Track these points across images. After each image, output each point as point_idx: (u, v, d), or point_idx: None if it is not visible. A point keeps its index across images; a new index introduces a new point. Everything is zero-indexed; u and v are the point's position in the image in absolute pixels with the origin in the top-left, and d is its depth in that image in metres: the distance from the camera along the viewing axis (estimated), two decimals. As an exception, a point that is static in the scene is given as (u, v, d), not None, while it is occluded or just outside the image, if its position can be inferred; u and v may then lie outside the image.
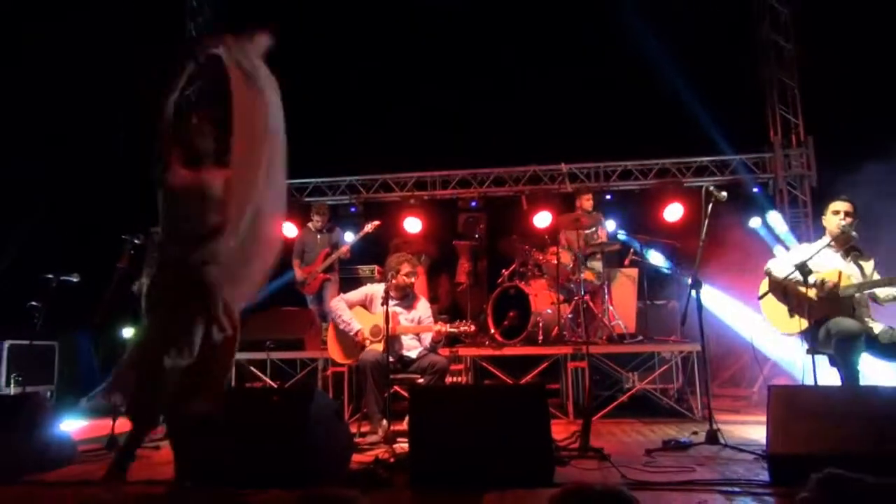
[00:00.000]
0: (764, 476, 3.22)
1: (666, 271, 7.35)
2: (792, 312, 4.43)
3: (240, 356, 6.48)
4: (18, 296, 7.20)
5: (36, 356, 7.31)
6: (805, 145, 8.61)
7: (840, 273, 4.27)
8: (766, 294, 4.60)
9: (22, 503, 3.27)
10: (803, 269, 4.17)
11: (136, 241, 4.85)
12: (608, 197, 8.93)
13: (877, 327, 4.22)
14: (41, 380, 7.29)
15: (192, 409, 2.89)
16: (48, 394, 7.22)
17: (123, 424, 4.77)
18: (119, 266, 4.73)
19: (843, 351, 4.06)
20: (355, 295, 5.39)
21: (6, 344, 6.93)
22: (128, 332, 5.26)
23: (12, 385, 6.85)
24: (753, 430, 4.79)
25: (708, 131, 8.43)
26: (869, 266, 4.42)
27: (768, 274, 4.56)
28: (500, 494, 3.09)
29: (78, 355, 8.05)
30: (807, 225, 8.24)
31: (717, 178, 8.68)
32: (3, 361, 6.93)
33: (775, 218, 8.03)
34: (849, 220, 4.39)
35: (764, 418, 3.29)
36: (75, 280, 5.44)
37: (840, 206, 4.44)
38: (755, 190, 8.78)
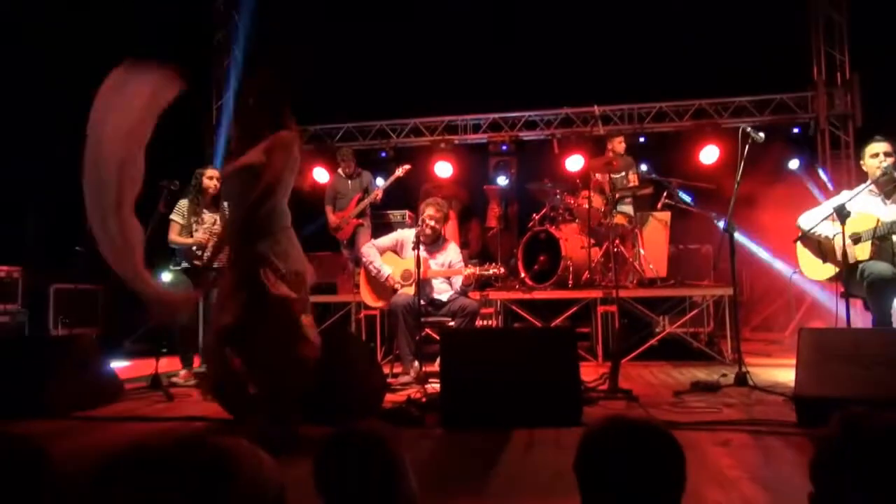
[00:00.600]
0: (791, 417, 3.24)
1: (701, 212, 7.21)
2: (825, 260, 4.36)
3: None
4: (63, 241, 7.47)
5: (81, 299, 7.60)
6: (850, 83, 8.26)
7: (878, 220, 4.15)
8: (800, 238, 4.52)
9: (73, 436, 3.47)
10: (841, 212, 4.08)
11: (171, 188, 4.94)
12: (642, 139, 8.73)
13: (911, 271, 4.12)
14: (87, 322, 7.59)
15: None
16: (93, 335, 7.52)
17: (167, 365, 5.02)
18: (159, 210, 4.84)
19: (874, 294, 4.01)
20: (386, 240, 5.45)
21: (52, 288, 7.19)
22: (166, 277, 5.40)
23: (60, 327, 7.14)
24: (783, 374, 4.79)
25: (748, 69, 8.15)
26: None
27: (799, 227, 4.48)
28: (528, 433, 3.18)
29: (121, 299, 8.33)
30: (849, 167, 7.98)
31: (755, 119, 8.41)
32: (50, 304, 7.20)
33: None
34: (890, 159, 4.25)
35: (794, 362, 3.30)
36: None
37: (878, 147, 4.28)
38: (794, 130, 8.51)
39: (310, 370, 3.07)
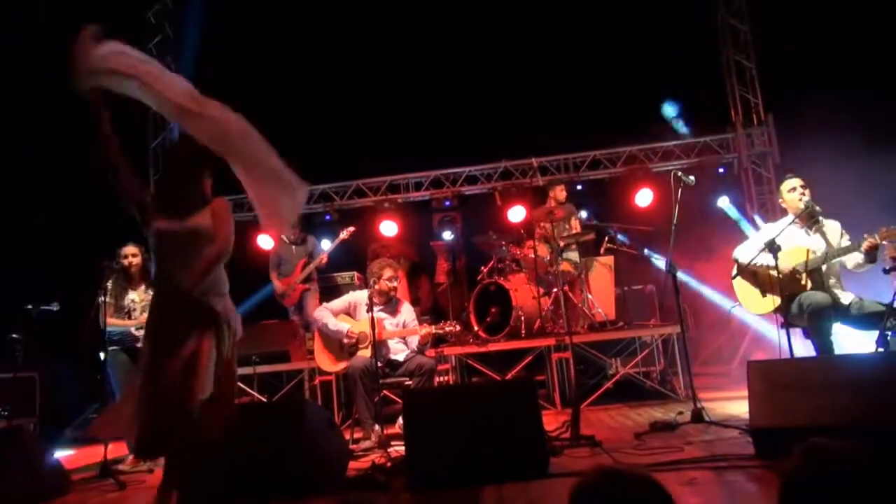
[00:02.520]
0: (749, 450, 3.33)
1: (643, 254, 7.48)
2: (764, 293, 4.58)
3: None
4: (-6, 329, 7.11)
5: (17, 388, 7.20)
6: (766, 123, 8.81)
7: (808, 251, 4.41)
8: (737, 276, 4.74)
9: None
10: (772, 246, 4.30)
11: (114, 266, 4.83)
12: (579, 187, 9.05)
13: (846, 298, 4.37)
14: (23, 412, 7.18)
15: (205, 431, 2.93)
16: (31, 426, 7.11)
17: (114, 451, 4.79)
18: (100, 291, 4.71)
19: (815, 323, 4.21)
20: (339, 303, 5.42)
21: (-15, 379, 6.81)
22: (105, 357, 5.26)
23: (-5, 420, 6.73)
24: (736, 406, 4.93)
25: (671, 116, 8.63)
26: (836, 231, 4.52)
27: (736, 261, 4.71)
28: (497, 489, 3.17)
29: (59, 384, 7.94)
30: (772, 202, 8.43)
31: (683, 162, 8.85)
32: (-18, 396, 6.80)
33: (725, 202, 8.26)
34: (807, 192, 4.54)
35: (745, 393, 3.41)
36: (55, 309, 5.39)
37: (792, 182, 4.60)
38: (720, 170, 8.98)
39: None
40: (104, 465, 4.46)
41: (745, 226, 8.13)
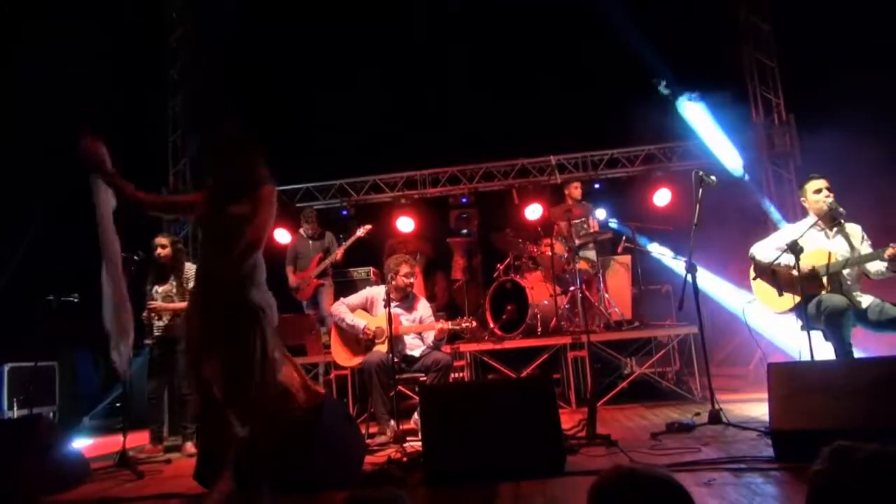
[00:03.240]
0: (768, 452, 3.31)
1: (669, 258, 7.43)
2: (782, 292, 4.53)
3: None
4: (17, 317, 7.22)
5: (36, 377, 7.31)
6: (787, 123, 8.71)
7: (829, 254, 4.36)
8: (756, 277, 4.70)
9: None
10: (794, 248, 4.26)
11: (135, 258, 4.88)
12: (597, 186, 8.99)
13: (865, 301, 4.33)
14: (43, 401, 7.29)
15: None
16: (51, 414, 7.22)
17: (133, 440, 4.84)
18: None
19: (833, 326, 4.17)
20: (355, 298, 5.44)
21: (6, 367, 6.92)
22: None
23: (15, 408, 6.84)
24: (754, 408, 4.90)
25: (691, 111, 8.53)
26: (857, 235, 4.47)
27: (753, 259, 4.66)
28: (514, 485, 3.17)
29: (78, 374, 8.05)
30: (793, 202, 8.34)
31: (702, 161, 8.76)
32: (3, 384, 6.92)
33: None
34: (832, 195, 4.49)
35: (762, 395, 3.39)
36: (76, 300, 5.46)
37: (818, 183, 4.53)
38: (741, 172, 8.88)
39: (284, 430, 3.04)
40: (122, 454, 4.52)
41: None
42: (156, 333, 5.21)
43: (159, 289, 5.22)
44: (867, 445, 1.33)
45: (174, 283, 5.18)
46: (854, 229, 4.50)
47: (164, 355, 5.18)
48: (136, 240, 4.85)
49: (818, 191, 4.53)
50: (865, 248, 4.43)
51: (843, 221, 4.48)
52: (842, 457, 1.35)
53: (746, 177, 8.16)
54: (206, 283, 3.10)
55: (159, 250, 5.19)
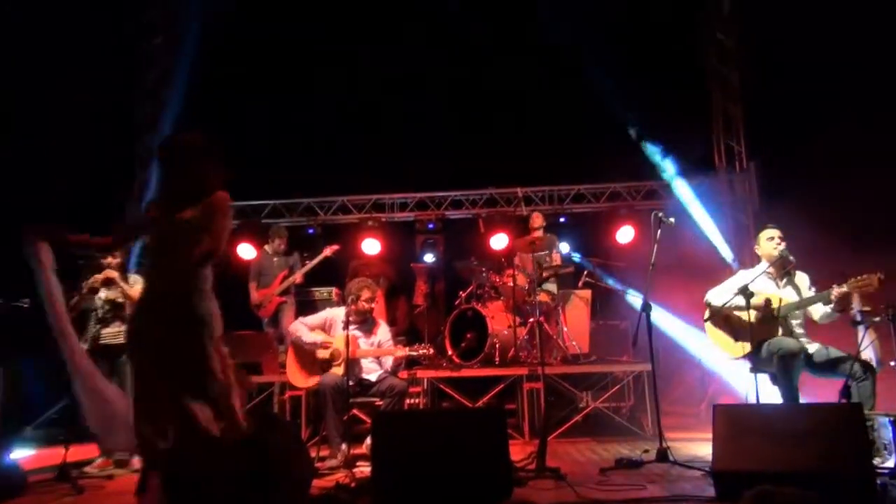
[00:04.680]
0: (710, 492, 3.38)
1: (620, 290, 7.57)
2: (736, 338, 4.65)
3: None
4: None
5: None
6: (747, 171, 8.99)
7: (780, 299, 4.51)
8: (709, 319, 4.82)
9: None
10: (745, 292, 4.39)
11: (91, 264, 4.80)
12: (562, 219, 9.15)
13: (812, 347, 4.47)
14: (-18, 408, 7.03)
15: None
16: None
17: (75, 453, 4.71)
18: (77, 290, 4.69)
19: (783, 368, 4.29)
20: (314, 319, 5.41)
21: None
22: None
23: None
24: (701, 448, 4.97)
25: (657, 156, 8.77)
26: (804, 284, 4.67)
27: (708, 304, 4.79)
28: (460, 516, 3.17)
29: (23, 383, 7.80)
30: (750, 248, 8.57)
31: (665, 201, 8.98)
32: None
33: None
34: (783, 243, 4.67)
35: (710, 435, 3.46)
36: (26, 305, 5.32)
37: (772, 232, 4.74)
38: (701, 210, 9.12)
39: (220, 453, 3.00)
40: (63, 467, 4.39)
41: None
42: (101, 342, 5.08)
43: (103, 294, 5.09)
44: (787, 489, 1.39)
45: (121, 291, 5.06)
46: (802, 278, 4.68)
47: (109, 365, 5.05)
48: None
49: (770, 238, 4.72)
50: (813, 292, 4.60)
51: (792, 271, 4.66)
52: (764, 500, 1.40)
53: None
54: (153, 293, 3.05)
55: (109, 259, 5.08)
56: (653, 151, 8.56)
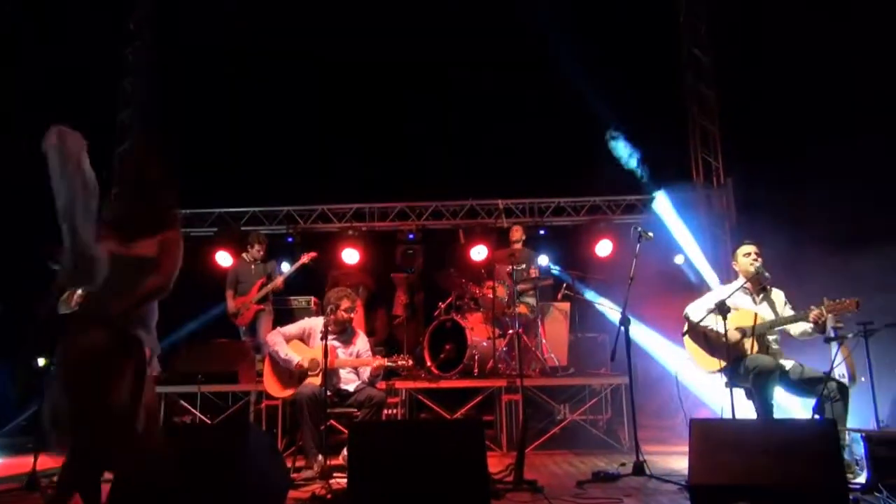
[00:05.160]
0: (686, 505, 3.40)
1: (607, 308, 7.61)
2: (712, 353, 4.70)
3: (169, 389, 6.33)
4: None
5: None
6: (725, 187, 9.12)
7: (756, 315, 4.57)
8: (687, 333, 4.87)
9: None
10: (722, 307, 4.45)
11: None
12: (542, 232, 9.19)
13: (787, 364, 4.53)
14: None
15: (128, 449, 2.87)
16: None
17: (44, 462, 4.61)
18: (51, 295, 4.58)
19: (759, 385, 4.34)
20: (293, 328, 5.37)
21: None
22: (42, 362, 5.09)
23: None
24: (677, 461, 5.01)
25: (636, 171, 8.87)
26: (780, 300, 4.74)
27: (687, 318, 4.85)
28: (437, 529, 3.15)
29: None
30: (727, 263, 8.68)
31: (643, 216, 9.08)
32: None
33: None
34: (760, 259, 4.74)
35: (686, 448, 3.49)
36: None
37: (749, 248, 4.81)
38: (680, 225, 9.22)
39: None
40: (32, 476, 4.30)
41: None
42: None
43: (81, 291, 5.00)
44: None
45: None
46: (778, 295, 4.75)
47: None
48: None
49: (747, 255, 4.79)
50: (787, 312, 4.67)
51: (768, 287, 4.73)
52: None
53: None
54: (94, 318, 2.98)
55: None
56: (629, 158, 8.62)
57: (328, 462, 4.73)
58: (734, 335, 4.51)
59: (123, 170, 3.26)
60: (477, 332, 6.65)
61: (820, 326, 4.37)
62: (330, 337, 4.92)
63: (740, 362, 4.49)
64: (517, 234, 7.70)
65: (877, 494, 3.46)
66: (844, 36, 7.46)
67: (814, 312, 4.32)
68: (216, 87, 9.06)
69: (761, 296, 4.77)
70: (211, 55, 8.93)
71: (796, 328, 4.60)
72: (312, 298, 7.87)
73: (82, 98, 8.23)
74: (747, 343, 4.54)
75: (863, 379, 4.96)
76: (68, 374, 2.91)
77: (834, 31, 7.52)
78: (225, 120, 9.03)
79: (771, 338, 4.65)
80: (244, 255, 7.70)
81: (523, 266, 7.22)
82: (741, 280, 4.83)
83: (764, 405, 4.35)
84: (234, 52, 9.01)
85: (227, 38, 8.90)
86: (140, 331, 3.00)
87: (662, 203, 8.74)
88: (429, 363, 6.69)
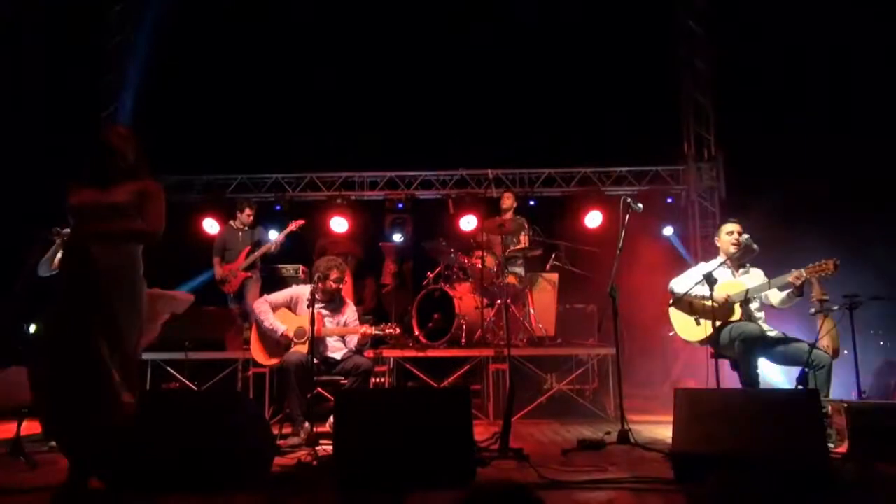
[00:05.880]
0: (669, 474, 3.42)
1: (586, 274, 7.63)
2: (698, 322, 4.74)
3: (156, 356, 6.31)
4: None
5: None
6: (716, 159, 9.10)
7: (740, 284, 4.61)
8: (672, 305, 4.90)
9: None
10: (710, 279, 4.46)
11: (48, 237, 4.64)
12: (532, 202, 9.16)
13: (771, 333, 4.58)
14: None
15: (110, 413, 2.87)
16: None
17: (29, 427, 4.59)
18: (30, 260, 4.52)
19: (744, 352, 4.40)
20: (280, 296, 5.34)
21: None
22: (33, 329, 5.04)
23: None
24: (662, 430, 5.06)
25: (628, 142, 8.83)
26: (759, 277, 4.79)
27: (671, 292, 4.87)
28: (423, 496, 3.17)
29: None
30: (716, 234, 8.71)
31: (634, 188, 9.06)
32: None
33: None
34: (743, 237, 4.76)
35: (671, 418, 3.51)
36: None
37: (732, 227, 4.87)
38: (668, 200, 9.23)
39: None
40: (16, 441, 4.27)
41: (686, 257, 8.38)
42: None
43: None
44: (749, 475, 1.41)
45: None
46: (757, 273, 4.80)
47: None
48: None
49: (730, 233, 4.85)
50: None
51: (747, 265, 4.77)
52: (727, 485, 1.42)
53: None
54: (78, 265, 3.00)
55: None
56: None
57: (314, 430, 4.75)
58: (720, 296, 4.55)
59: (98, 134, 3.30)
60: (465, 301, 6.64)
61: (798, 289, 4.41)
62: (318, 305, 4.90)
63: (724, 330, 4.53)
64: (507, 201, 7.61)
65: (857, 462, 3.51)
66: (840, 13, 7.40)
67: (794, 273, 4.37)
68: (206, 54, 8.87)
69: (741, 271, 4.82)
70: (199, 21, 8.73)
71: (776, 296, 4.64)
72: (301, 267, 7.83)
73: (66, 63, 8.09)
74: (736, 309, 4.58)
75: (845, 352, 5.02)
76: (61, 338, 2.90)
77: (830, 7, 7.47)
78: (213, 85, 8.86)
79: (754, 306, 4.69)
80: (231, 221, 7.63)
81: (512, 236, 7.19)
82: (721, 257, 4.87)
83: (749, 373, 4.41)
84: (223, 16, 8.82)
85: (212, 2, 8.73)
86: (128, 274, 3.08)
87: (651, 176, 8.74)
88: (417, 332, 6.69)
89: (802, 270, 4.34)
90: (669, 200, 9.27)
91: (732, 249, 4.77)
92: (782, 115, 7.98)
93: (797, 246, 5.92)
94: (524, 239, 7.21)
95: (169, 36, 8.75)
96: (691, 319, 4.81)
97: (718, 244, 4.95)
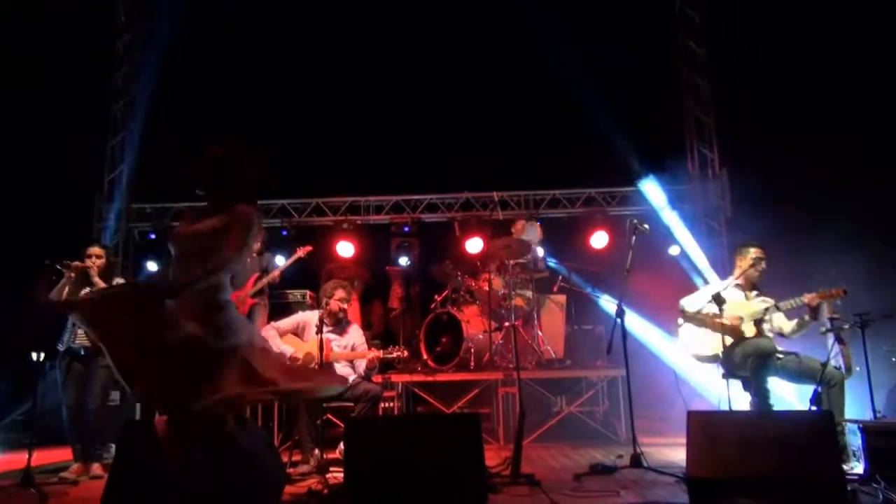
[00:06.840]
0: (683, 498, 3.39)
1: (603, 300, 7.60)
2: (708, 338, 4.72)
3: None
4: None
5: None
6: (720, 178, 9.11)
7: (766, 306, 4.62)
8: (683, 324, 4.88)
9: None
10: (718, 298, 4.45)
11: (58, 268, 4.66)
12: (538, 222, 9.16)
13: (783, 353, 4.55)
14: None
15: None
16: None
17: (39, 458, 4.58)
18: (39, 292, 4.53)
19: (756, 368, 4.38)
20: (287, 322, 5.34)
21: None
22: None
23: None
24: (674, 452, 5.01)
25: (632, 163, 8.85)
26: (769, 302, 4.77)
27: (682, 310, 4.85)
28: (434, 524, 3.14)
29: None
30: (722, 255, 8.68)
31: (639, 208, 9.06)
32: None
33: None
34: (764, 263, 4.77)
35: (684, 440, 3.48)
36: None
37: (760, 253, 4.81)
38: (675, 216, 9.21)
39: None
40: (27, 472, 4.26)
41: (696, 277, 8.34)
42: (77, 342, 4.92)
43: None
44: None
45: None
46: (767, 298, 4.78)
47: (85, 365, 4.90)
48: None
49: (759, 260, 4.78)
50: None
51: (761, 291, 4.78)
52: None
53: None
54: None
55: (94, 260, 4.93)
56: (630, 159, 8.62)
57: (325, 456, 4.72)
58: (734, 319, 4.54)
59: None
60: (473, 324, 6.63)
61: (813, 311, 4.39)
62: (325, 329, 4.90)
63: (737, 348, 4.51)
64: (519, 227, 7.68)
65: (874, 485, 3.46)
66: (840, 28, 7.45)
67: (806, 297, 4.36)
68: (211, 82, 8.98)
69: (753, 293, 4.80)
70: (204, 49, 8.87)
71: (788, 325, 4.64)
72: (308, 292, 7.83)
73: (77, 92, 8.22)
74: (745, 327, 4.56)
75: (857, 369, 4.97)
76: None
77: (828, 22, 7.51)
78: (218, 113, 8.95)
79: (766, 327, 4.67)
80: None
81: (525, 259, 7.18)
82: (735, 277, 4.85)
83: (761, 391, 4.38)
84: (228, 44, 8.96)
85: (221, 28, 8.86)
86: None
87: (654, 192, 8.73)
88: (425, 356, 6.67)
89: (814, 294, 4.34)
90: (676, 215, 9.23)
91: (756, 275, 4.77)
92: (787, 130, 7.99)
93: (805, 264, 5.91)
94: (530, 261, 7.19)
95: (174, 63, 8.87)
96: (701, 335, 4.78)
97: (739, 263, 4.91)
